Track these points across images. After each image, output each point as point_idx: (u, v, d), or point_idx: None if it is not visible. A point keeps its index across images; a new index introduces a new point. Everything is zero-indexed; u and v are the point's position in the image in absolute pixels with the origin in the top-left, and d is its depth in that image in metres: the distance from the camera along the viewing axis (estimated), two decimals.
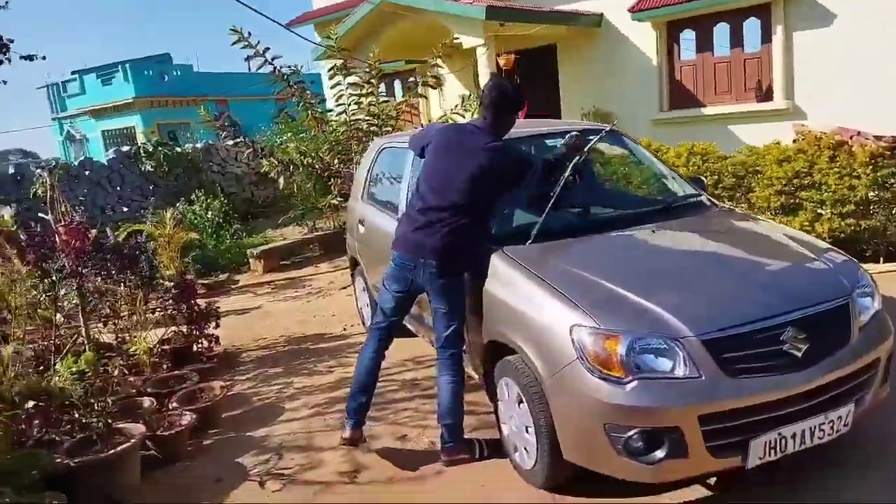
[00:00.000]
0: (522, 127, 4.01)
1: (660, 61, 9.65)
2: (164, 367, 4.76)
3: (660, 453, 2.55)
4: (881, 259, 5.83)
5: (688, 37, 9.47)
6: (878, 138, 5.65)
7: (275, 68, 6.66)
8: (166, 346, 4.99)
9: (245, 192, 13.53)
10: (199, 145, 13.28)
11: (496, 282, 3.19)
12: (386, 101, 7.42)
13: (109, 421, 3.31)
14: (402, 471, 3.39)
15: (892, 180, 5.65)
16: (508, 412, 3.17)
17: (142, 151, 11.98)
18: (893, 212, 5.72)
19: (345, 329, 5.90)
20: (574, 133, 3.58)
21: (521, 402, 3.01)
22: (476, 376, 3.64)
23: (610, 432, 2.57)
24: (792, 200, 6.07)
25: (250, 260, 8.77)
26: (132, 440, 3.32)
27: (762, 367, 2.59)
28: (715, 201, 4.00)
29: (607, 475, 2.73)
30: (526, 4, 9.66)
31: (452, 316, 3.33)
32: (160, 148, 12.05)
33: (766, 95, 8.91)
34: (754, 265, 3.14)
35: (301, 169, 7.11)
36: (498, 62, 8.71)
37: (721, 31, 9.15)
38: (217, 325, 5.22)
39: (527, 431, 3.01)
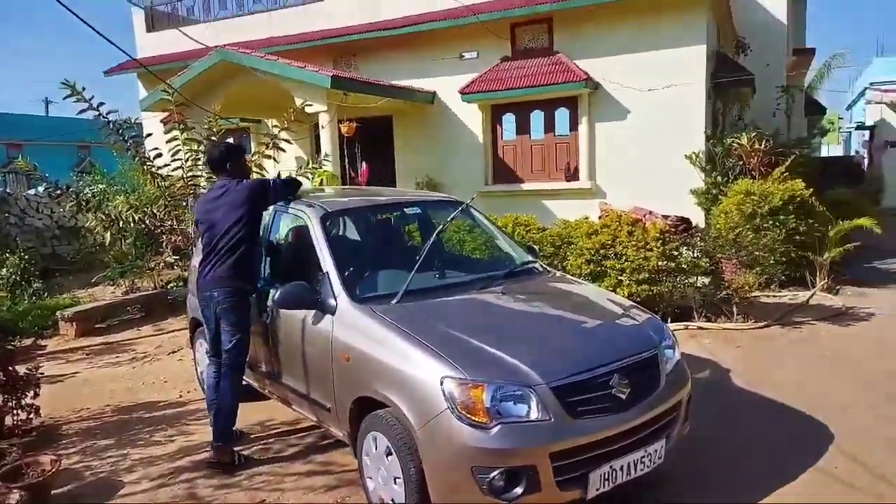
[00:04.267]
0: (382, 195, 4.32)
1: (485, 139, 10.66)
2: None
3: (518, 490, 2.88)
4: (668, 319, 6.87)
5: (509, 119, 10.59)
6: (665, 217, 6.79)
7: (109, 122, 6.35)
8: None
9: (46, 248, 12.26)
10: None
11: (365, 339, 3.38)
12: None
13: None
14: None
15: (676, 253, 6.78)
16: (376, 465, 3.32)
17: None
18: (678, 280, 6.84)
19: (181, 395, 5.62)
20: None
21: (389, 454, 3.19)
22: (340, 434, 3.74)
23: (476, 474, 2.85)
24: (598, 268, 6.98)
25: (60, 323, 7.96)
26: None
27: (597, 408, 3.05)
28: (547, 267, 4.59)
29: None
30: (368, 77, 10.20)
31: (234, 331, 4.09)
32: None
33: (574, 175, 10.19)
34: (585, 322, 3.69)
35: (132, 225, 6.74)
36: (340, 129, 9.03)
37: (536, 117, 10.38)
38: (36, 395, 4.74)
39: (395, 482, 3.18)
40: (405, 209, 4.36)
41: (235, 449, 4.22)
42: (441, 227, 3.76)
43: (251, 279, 4.25)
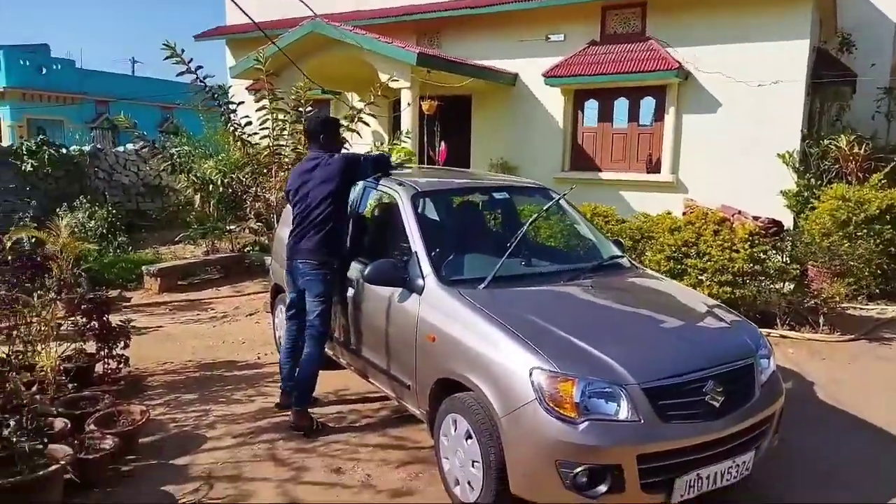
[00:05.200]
0: (468, 177, 4.28)
1: (565, 125, 10.46)
2: (69, 386, 4.45)
3: (602, 488, 2.83)
4: None
5: (591, 106, 10.35)
6: (755, 218, 6.52)
7: (205, 86, 6.53)
8: (68, 364, 4.68)
9: (131, 204, 12.82)
10: (86, 148, 12.44)
11: (452, 321, 3.39)
12: None
13: (42, 441, 3.09)
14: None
15: (765, 256, 6.50)
16: (454, 447, 3.34)
17: (23, 149, 11.04)
18: (763, 284, 6.57)
19: (259, 357, 5.79)
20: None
21: (469, 437, 3.20)
22: (417, 412, 3.78)
23: (560, 467, 2.82)
24: (679, 266, 6.78)
25: (145, 277, 8.33)
26: (57, 463, 3.12)
27: (688, 414, 2.97)
28: (635, 263, 4.48)
29: None
30: (450, 55, 10.14)
31: (318, 303, 4.20)
32: (45, 147, 11.16)
33: (655, 168, 9.90)
34: (679, 323, 3.57)
35: (220, 189, 6.96)
36: (421, 107, 9.04)
37: (621, 105, 10.10)
38: (127, 346, 4.97)
39: (472, 466, 3.19)
40: (494, 193, 4.32)
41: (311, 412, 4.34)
42: (536, 215, 3.71)
43: (338, 253, 4.32)
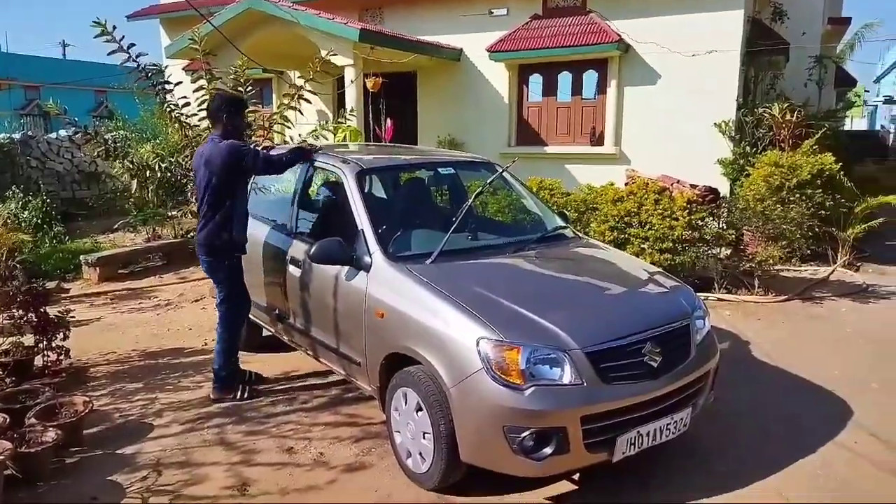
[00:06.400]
0: (413, 154, 4.29)
1: (510, 100, 10.51)
2: (7, 381, 4.31)
3: (548, 450, 2.93)
4: None
5: (536, 80, 10.42)
6: (693, 187, 6.72)
7: (139, 65, 6.28)
8: (5, 359, 4.53)
9: (66, 192, 12.32)
10: (16, 136, 11.86)
11: (400, 297, 3.41)
12: (255, 111, 7.28)
13: None
14: (296, 482, 3.45)
15: (702, 223, 6.73)
16: (405, 420, 3.38)
17: None
18: (701, 250, 6.81)
19: (205, 343, 5.69)
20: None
21: (419, 409, 3.25)
22: (368, 389, 3.81)
23: (508, 433, 2.90)
24: (622, 236, 6.95)
25: (84, 267, 8.05)
26: None
27: (629, 375, 3.08)
28: (578, 233, 4.58)
29: (495, 472, 3.07)
30: (394, 31, 10.02)
31: (220, 289, 4.35)
32: None
33: (599, 140, 10.07)
34: (620, 289, 3.69)
35: (158, 173, 6.73)
36: (365, 84, 8.93)
37: (564, 79, 10.20)
38: (66, 337, 4.82)
39: (423, 437, 3.24)
40: (439, 169, 4.34)
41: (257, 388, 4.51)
42: (480, 189, 3.75)
43: (230, 240, 4.26)
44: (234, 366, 4.51)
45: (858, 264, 8.03)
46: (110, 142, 6.58)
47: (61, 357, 4.76)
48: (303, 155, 4.46)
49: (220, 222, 4.19)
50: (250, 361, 5.00)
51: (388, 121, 9.70)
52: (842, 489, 3.34)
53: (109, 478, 3.50)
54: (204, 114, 6.80)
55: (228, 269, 4.33)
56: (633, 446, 3.08)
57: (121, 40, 5.96)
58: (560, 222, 4.41)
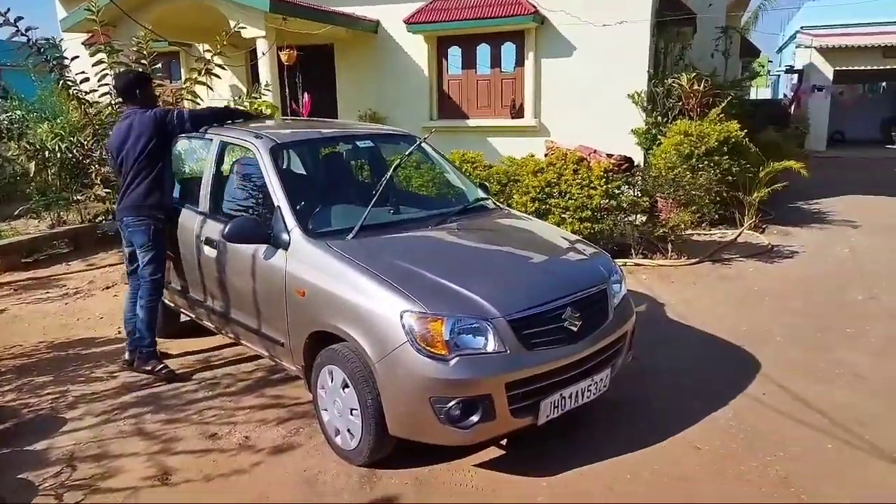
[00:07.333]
0: (331, 127, 4.20)
1: (430, 73, 10.43)
2: None
3: (475, 418, 2.97)
4: None
5: (455, 53, 10.37)
6: (609, 156, 6.90)
7: (29, 40, 5.81)
8: None
9: None
10: None
11: (321, 274, 3.35)
12: (160, 85, 6.92)
13: None
14: (220, 467, 3.37)
15: (618, 192, 6.94)
16: (332, 398, 3.35)
17: None
18: (618, 218, 7.03)
19: (119, 332, 5.40)
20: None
21: (346, 386, 3.22)
22: (293, 369, 3.74)
23: (434, 404, 2.92)
24: (544, 206, 7.08)
25: None
26: None
27: (550, 340, 3.16)
28: (499, 204, 4.62)
29: (424, 444, 3.10)
30: (309, 2, 9.70)
31: (145, 251, 4.36)
32: None
33: (519, 113, 10.16)
34: (539, 257, 3.76)
35: (58, 155, 6.30)
36: (280, 57, 8.62)
37: (483, 51, 10.20)
38: None
39: (351, 414, 3.23)
40: (357, 142, 4.26)
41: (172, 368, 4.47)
42: (398, 162, 3.70)
43: (160, 205, 4.40)
44: (151, 339, 4.50)
45: (764, 226, 8.52)
46: (5, 122, 6.12)
47: None
48: (231, 110, 4.68)
49: (151, 183, 4.34)
50: (169, 347, 4.84)
51: (306, 95, 9.44)
52: (753, 439, 3.55)
53: (19, 476, 3.31)
54: (104, 90, 6.46)
55: (153, 232, 4.36)
56: (556, 409, 3.18)
57: (6, 12, 5.53)
58: (481, 194, 4.43)
